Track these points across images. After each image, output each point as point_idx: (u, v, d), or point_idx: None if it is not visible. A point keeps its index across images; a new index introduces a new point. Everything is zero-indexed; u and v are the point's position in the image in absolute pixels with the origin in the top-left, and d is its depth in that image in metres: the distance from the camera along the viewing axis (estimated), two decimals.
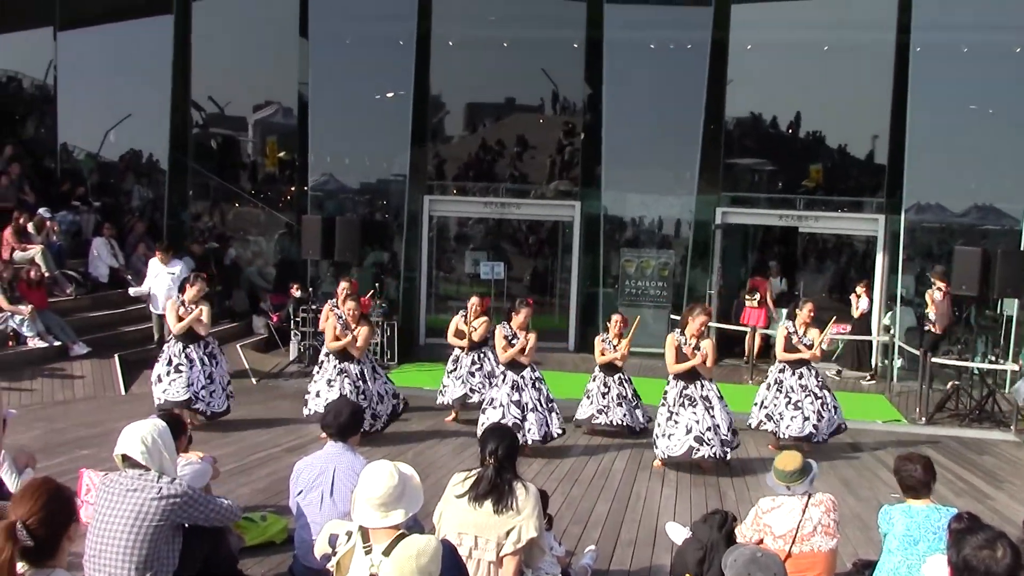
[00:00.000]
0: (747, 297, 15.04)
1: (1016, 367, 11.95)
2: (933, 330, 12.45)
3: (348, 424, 5.15)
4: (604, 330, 9.96)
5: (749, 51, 15.27)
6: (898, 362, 13.76)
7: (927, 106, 14.02)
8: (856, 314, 13.79)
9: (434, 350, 13.61)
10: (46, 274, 12.29)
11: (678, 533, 5.67)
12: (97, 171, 16.97)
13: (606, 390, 9.61)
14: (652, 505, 7.29)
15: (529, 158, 16.60)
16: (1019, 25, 13.85)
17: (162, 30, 16.18)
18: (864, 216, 15.13)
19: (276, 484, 7.03)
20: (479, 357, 10.16)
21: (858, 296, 13.85)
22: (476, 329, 10.07)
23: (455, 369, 10.20)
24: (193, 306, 9.26)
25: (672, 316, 14.00)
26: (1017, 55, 14.09)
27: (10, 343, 11.19)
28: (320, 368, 9.28)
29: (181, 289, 9.61)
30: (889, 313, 14.30)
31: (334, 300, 9.72)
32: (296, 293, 13.82)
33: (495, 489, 4.21)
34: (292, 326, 13.38)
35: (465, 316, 10.20)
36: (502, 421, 8.07)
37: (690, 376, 8.36)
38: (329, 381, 9.03)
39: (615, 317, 9.84)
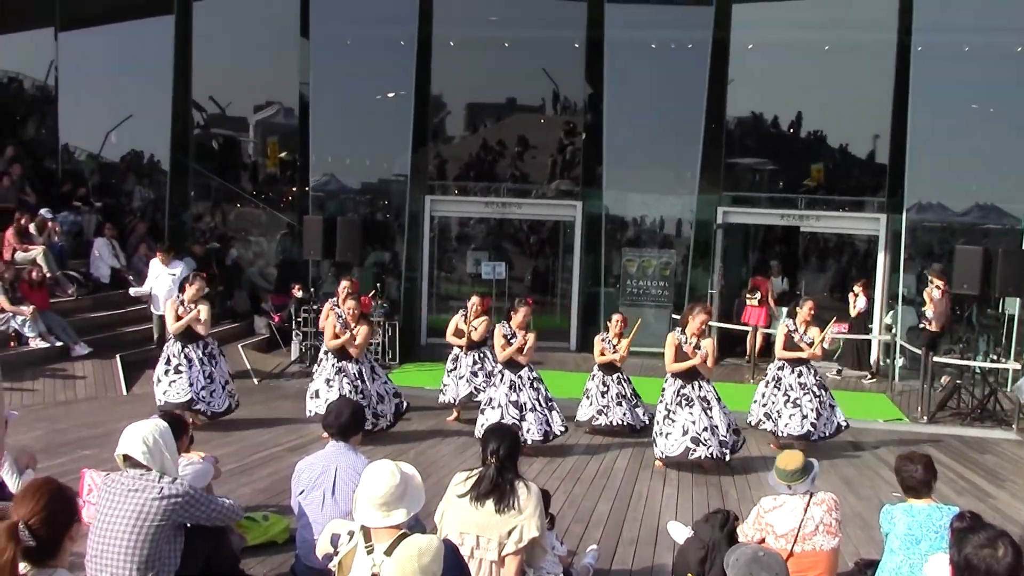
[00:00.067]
0: (748, 296, 15.03)
1: (1018, 366, 11.95)
2: (929, 328, 12.46)
3: (349, 424, 5.14)
4: (604, 329, 9.96)
5: (750, 51, 15.27)
6: (900, 361, 13.76)
7: (928, 106, 14.03)
8: (853, 313, 13.78)
9: (435, 350, 13.61)
10: (47, 275, 12.30)
11: (680, 532, 5.66)
12: (98, 172, 16.99)
13: (605, 389, 9.60)
14: (654, 504, 7.29)
15: (530, 158, 16.60)
16: (1020, 26, 13.86)
17: (163, 31, 16.20)
18: (865, 216, 15.13)
19: (278, 484, 7.04)
20: (480, 357, 10.16)
21: (856, 295, 13.85)
22: (476, 329, 10.06)
23: (455, 368, 10.21)
24: (192, 305, 9.27)
25: (673, 316, 13.99)
26: (1018, 55, 14.10)
27: (12, 344, 11.20)
28: (319, 366, 9.29)
29: (181, 289, 9.62)
30: (891, 312, 14.30)
31: (335, 299, 9.73)
32: (297, 293, 13.83)
33: (497, 489, 4.20)
34: (293, 326, 13.39)
35: (465, 315, 10.21)
36: (501, 421, 8.06)
37: (688, 375, 8.35)
38: (327, 380, 9.04)
39: (615, 317, 9.84)
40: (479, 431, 8.76)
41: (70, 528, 3.16)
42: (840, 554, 5.16)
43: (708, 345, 8.33)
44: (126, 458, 4.27)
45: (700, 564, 5.00)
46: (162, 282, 12.17)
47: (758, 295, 14.89)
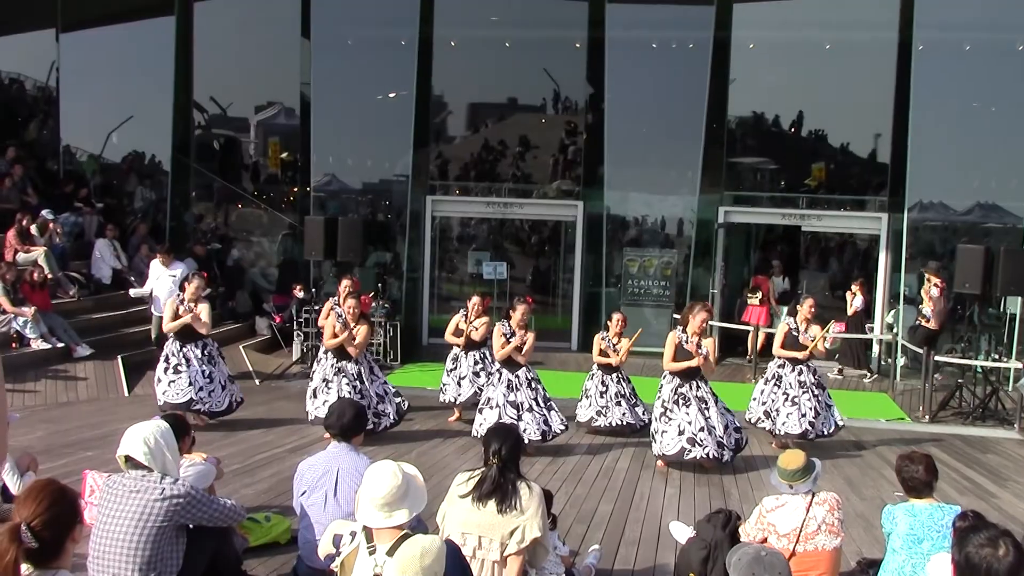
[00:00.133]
0: (749, 296, 15.03)
1: (1019, 365, 11.93)
2: (926, 325, 12.47)
3: (351, 424, 5.15)
4: (605, 329, 9.95)
5: (751, 50, 15.27)
6: (901, 360, 13.75)
7: (930, 105, 14.01)
8: (849, 312, 13.78)
9: (437, 350, 13.59)
10: (49, 276, 12.31)
11: (682, 532, 5.66)
12: (100, 173, 17.00)
13: (604, 389, 9.60)
14: (656, 504, 7.28)
15: (531, 158, 16.60)
16: (1021, 24, 13.85)
17: (164, 32, 16.23)
18: (867, 215, 15.12)
19: (280, 485, 7.04)
20: (481, 357, 10.15)
21: (853, 294, 13.84)
22: (477, 329, 10.05)
23: (455, 368, 10.21)
24: (192, 304, 9.27)
25: (675, 316, 13.99)
26: (1019, 53, 14.09)
27: (13, 345, 11.20)
28: (318, 365, 9.28)
29: (182, 289, 9.63)
30: (892, 312, 14.29)
31: (336, 298, 9.73)
32: (299, 294, 13.84)
33: (499, 489, 4.20)
34: (295, 327, 13.40)
35: (466, 315, 10.20)
36: (504, 422, 8.05)
37: (687, 375, 8.32)
38: (326, 379, 9.01)
39: (616, 316, 9.84)
40: (476, 430, 8.78)
41: (72, 530, 3.17)
42: (842, 554, 5.16)
43: (709, 344, 8.31)
44: (128, 459, 4.27)
45: (702, 564, 5.00)
46: (163, 283, 12.16)
47: (759, 294, 14.89)
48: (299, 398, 10.09)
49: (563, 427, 8.84)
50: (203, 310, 9.31)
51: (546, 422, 8.69)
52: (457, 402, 10.10)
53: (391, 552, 3.37)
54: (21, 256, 12.54)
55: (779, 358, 9.22)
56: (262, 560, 5.52)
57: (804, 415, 8.88)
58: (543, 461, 8.45)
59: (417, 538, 3.42)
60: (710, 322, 8.97)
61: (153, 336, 12.26)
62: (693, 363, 8.21)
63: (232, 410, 9.50)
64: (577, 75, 15.95)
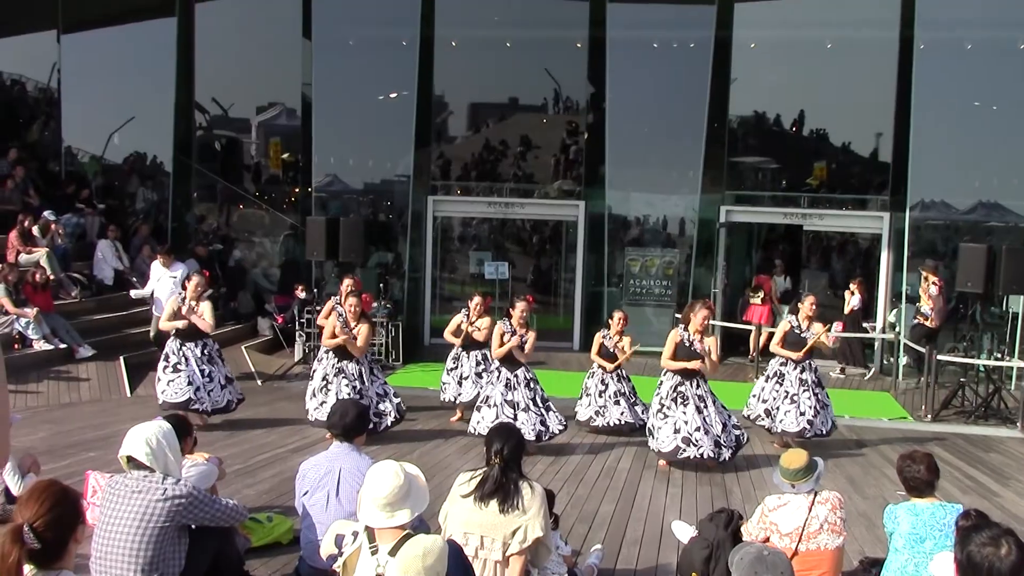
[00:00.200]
0: (751, 295, 15.02)
1: (1022, 363, 11.92)
2: (926, 324, 12.46)
3: (354, 425, 5.15)
4: (606, 327, 9.94)
5: (752, 49, 15.27)
6: (903, 359, 13.74)
7: (931, 103, 14.00)
8: (847, 310, 13.78)
9: (439, 350, 13.58)
10: (51, 277, 12.31)
11: (684, 532, 5.66)
12: (101, 174, 17.01)
13: (604, 388, 9.60)
14: (658, 504, 7.28)
15: (533, 158, 16.60)
16: (1022, 22, 13.82)
17: (165, 32, 16.24)
18: (869, 214, 15.12)
19: (282, 485, 7.04)
20: (482, 357, 10.14)
21: (852, 293, 13.83)
22: (480, 329, 10.04)
23: (455, 367, 10.21)
24: (194, 303, 9.28)
25: (676, 315, 13.98)
26: (1021, 51, 14.07)
27: (16, 346, 11.20)
28: (319, 364, 9.27)
29: (184, 289, 9.63)
30: (895, 311, 14.28)
31: (338, 297, 9.71)
32: (301, 294, 13.84)
33: (501, 489, 4.19)
34: (297, 327, 13.41)
35: (468, 315, 10.20)
36: (506, 421, 8.04)
37: (688, 373, 8.32)
38: (325, 379, 8.99)
39: (617, 314, 9.82)
40: (473, 427, 8.78)
41: (75, 530, 3.16)
42: (845, 553, 5.15)
43: (711, 343, 8.31)
44: (130, 460, 4.28)
45: (704, 563, 4.99)
46: (163, 284, 12.17)
47: (761, 294, 14.89)
48: (301, 398, 10.06)
49: (561, 427, 8.83)
50: (206, 308, 9.32)
51: (543, 422, 8.66)
52: (458, 402, 10.10)
53: (393, 552, 3.37)
54: (23, 257, 12.55)
55: (782, 356, 9.21)
56: (264, 560, 5.52)
57: (803, 413, 8.87)
58: (544, 461, 8.44)
59: (419, 538, 3.42)
60: (712, 321, 8.96)
61: (152, 336, 12.27)
62: (691, 365, 8.19)
63: (232, 408, 9.50)
64: (578, 75, 15.95)
